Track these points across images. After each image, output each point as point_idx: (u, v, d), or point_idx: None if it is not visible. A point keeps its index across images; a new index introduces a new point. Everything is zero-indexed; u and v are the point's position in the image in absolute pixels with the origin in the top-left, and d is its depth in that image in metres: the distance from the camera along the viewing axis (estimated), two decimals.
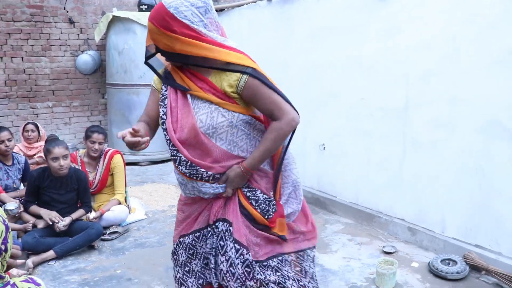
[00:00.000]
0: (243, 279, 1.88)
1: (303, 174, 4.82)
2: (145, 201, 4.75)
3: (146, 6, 6.49)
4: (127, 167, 4.39)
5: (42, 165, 4.22)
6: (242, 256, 1.88)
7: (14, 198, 3.90)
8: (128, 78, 6.46)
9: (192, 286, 2.06)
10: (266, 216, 1.93)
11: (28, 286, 1.56)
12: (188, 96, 1.88)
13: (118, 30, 6.43)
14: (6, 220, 1.50)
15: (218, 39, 1.85)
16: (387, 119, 3.81)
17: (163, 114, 1.92)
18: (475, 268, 3.11)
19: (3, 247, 1.46)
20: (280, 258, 1.97)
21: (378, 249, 3.58)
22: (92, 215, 3.83)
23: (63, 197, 3.67)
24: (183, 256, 2.09)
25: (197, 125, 1.83)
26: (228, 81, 1.83)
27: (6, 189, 4.02)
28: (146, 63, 2.00)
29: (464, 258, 3.17)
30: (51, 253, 3.40)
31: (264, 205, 1.94)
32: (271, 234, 1.95)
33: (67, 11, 7.00)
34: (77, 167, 3.95)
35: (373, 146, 3.97)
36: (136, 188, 5.18)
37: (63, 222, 3.52)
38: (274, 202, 1.97)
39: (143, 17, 6.25)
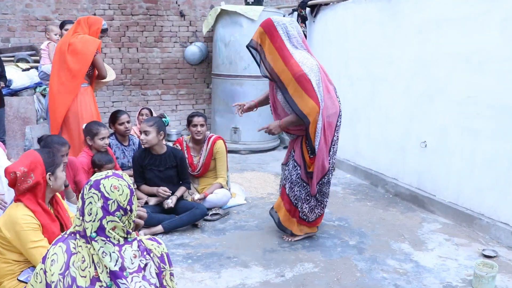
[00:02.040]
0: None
1: (403, 169, 4.82)
2: (245, 187, 5.04)
3: (253, 0, 6.80)
4: (228, 155, 4.71)
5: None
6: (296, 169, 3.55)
7: (129, 176, 4.38)
8: (233, 69, 6.82)
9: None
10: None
11: (151, 243, 1.87)
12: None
13: (225, 23, 6.80)
14: (132, 185, 1.81)
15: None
16: (497, 117, 3.71)
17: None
18: None
19: (128, 207, 1.77)
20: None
21: (477, 251, 3.52)
22: (196, 196, 4.18)
23: (163, 174, 4.05)
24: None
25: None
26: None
27: (122, 167, 4.53)
28: (247, 47, 3.42)
29: None
30: (159, 228, 3.80)
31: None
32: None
33: (179, 5, 7.55)
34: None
35: (480, 145, 3.88)
36: (237, 175, 5.50)
37: (170, 200, 3.92)
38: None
39: (250, 11, 6.56)
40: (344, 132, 5.97)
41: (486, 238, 3.76)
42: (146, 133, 3.94)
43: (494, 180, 3.77)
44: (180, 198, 4.08)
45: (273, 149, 7.19)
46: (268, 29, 3.26)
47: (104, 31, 4.68)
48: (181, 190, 4.11)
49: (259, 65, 3.47)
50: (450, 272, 3.21)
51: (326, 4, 6.20)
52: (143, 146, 4.05)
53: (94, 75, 4.62)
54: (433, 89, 4.34)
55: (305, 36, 6.52)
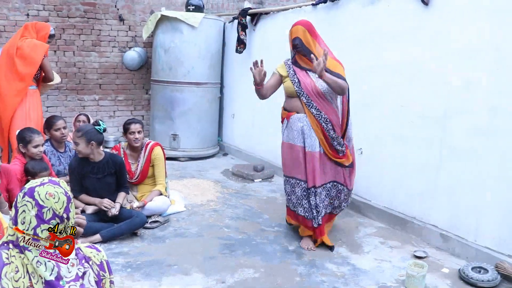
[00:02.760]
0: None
1: None
2: (185, 194, 5.00)
3: (193, 7, 6.80)
4: (167, 162, 4.67)
5: None
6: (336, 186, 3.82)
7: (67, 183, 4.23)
8: (173, 76, 6.77)
9: None
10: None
11: (90, 251, 1.83)
12: (309, 72, 3.63)
13: (165, 29, 6.75)
14: (69, 192, 1.76)
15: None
16: (426, 126, 3.93)
17: (296, 83, 3.65)
18: (507, 278, 3.20)
19: (65, 215, 1.72)
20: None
21: (409, 253, 3.71)
22: (135, 204, 4.11)
23: (102, 181, 3.92)
24: None
25: (318, 87, 3.58)
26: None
27: (58, 174, 4.36)
28: (295, 44, 3.66)
29: (496, 267, 3.26)
30: (97, 237, 3.69)
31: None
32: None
33: (118, 9, 7.41)
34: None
35: (411, 152, 4.10)
36: (176, 182, 5.45)
37: (114, 209, 3.82)
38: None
39: (191, 17, 6.56)
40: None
41: (417, 240, 3.96)
42: (75, 144, 3.82)
43: (424, 186, 3.99)
44: (122, 214, 3.92)
45: (212, 156, 7.19)
46: (310, 27, 3.65)
47: (51, 36, 4.99)
48: (121, 196, 4.01)
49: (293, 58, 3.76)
50: (385, 273, 3.35)
51: (266, 13, 6.32)
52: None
53: (41, 78, 4.83)
54: (369, 98, 4.53)
55: (245, 44, 6.60)
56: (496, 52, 3.36)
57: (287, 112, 3.79)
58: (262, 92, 3.68)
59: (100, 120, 3.95)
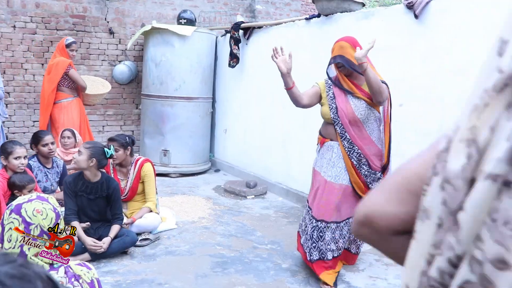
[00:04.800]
0: None
1: None
2: (176, 211, 5.04)
3: (185, 20, 6.90)
4: (157, 178, 4.70)
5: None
6: None
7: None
8: (164, 90, 6.85)
9: None
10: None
11: (80, 268, 1.86)
12: (349, 96, 3.35)
13: (156, 42, 6.84)
14: (58, 208, 1.79)
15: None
16: (421, 142, 4.01)
17: (333, 110, 3.37)
18: None
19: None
20: None
21: None
22: (124, 221, 4.15)
23: (93, 203, 3.91)
24: None
25: (357, 115, 3.30)
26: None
27: (44, 191, 4.39)
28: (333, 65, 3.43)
29: None
30: (86, 256, 3.70)
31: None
32: None
33: (108, 22, 7.50)
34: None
35: None
36: (167, 199, 5.49)
37: (102, 243, 3.75)
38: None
39: (183, 29, 6.65)
40: (276, 155, 6.16)
41: None
42: (79, 152, 3.85)
43: None
44: (114, 238, 3.89)
45: (204, 172, 7.24)
46: (354, 43, 3.29)
47: (68, 46, 5.82)
48: (114, 230, 3.91)
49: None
50: None
51: (259, 27, 6.43)
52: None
53: (79, 89, 5.96)
54: None
55: (238, 58, 6.70)
56: None
57: (321, 138, 3.57)
58: (295, 94, 3.32)
59: (111, 147, 3.99)
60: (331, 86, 3.45)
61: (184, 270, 3.64)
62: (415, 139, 4.07)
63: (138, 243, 4.07)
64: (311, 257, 3.43)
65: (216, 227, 4.66)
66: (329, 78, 3.49)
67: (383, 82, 3.25)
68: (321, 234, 3.38)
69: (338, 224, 3.42)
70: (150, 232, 4.27)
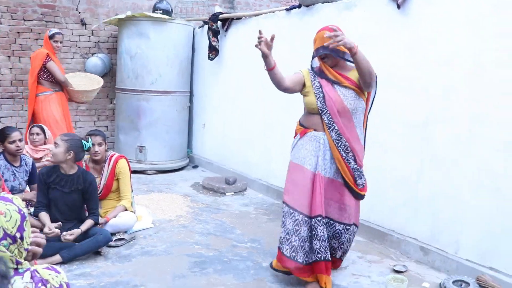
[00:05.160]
0: None
1: None
2: (152, 210, 4.93)
3: (161, 11, 6.77)
4: (133, 175, 4.59)
5: None
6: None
7: (23, 200, 4.10)
8: (139, 84, 6.70)
9: None
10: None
11: (48, 272, 1.75)
12: (336, 86, 3.18)
13: (130, 34, 6.68)
14: (23, 209, 1.69)
15: None
16: (406, 134, 3.98)
17: (320, 99, 3.18)
18: None
19: (18, 235, 1.65)
20: None
21: (388, 267, 3.72)
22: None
23: (67, 196, 3.79)
24: None
25: (346, 105, 3.13)
26: (356, 77, 3.15)
27: (12, 190, 4.22)
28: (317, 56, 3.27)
29: (477, 280, 3.30)
30: (57, 258, 3.56)
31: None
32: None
33: (79, 12, 7.30)
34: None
35: (390, 162, 4.14)
36: (143, 197, 5.37)
37: (70, 237, 3.62)
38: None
39: (160, 17, 6.51)
40: (257, 150, 6.09)
41: (396, 254, 3.99)
42: (55, 145, 3.74)
43: (403, 197, 4.03)
44: (85, 232, 3.76)
45: (181, 168, 7.13)
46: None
47: (51, 37, 5.79)
48: (87, 223, 3.79)
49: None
50: None
51: (238, 18, 6.33)
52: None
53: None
54: None
55: (217, 50, 6.59)
56: (474, 59, 3.44)
57: (302, 128, 3.32)
58: (277, 75, 3.14)
59: (88, 140, 3.91)
60: (316, 76, 3.27)
61: (161, 271, 3.54)
62: (402, 131, 4.02)
63: (112, 243, 3.95)
64: (308, 260, 3.17)
65: (194, 225, 4.57)
66: (313, 69, 3.34)
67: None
68: (314, 231, 3.13)
69: (333, 223, 3.29)
70: (125, 232, 4.16)
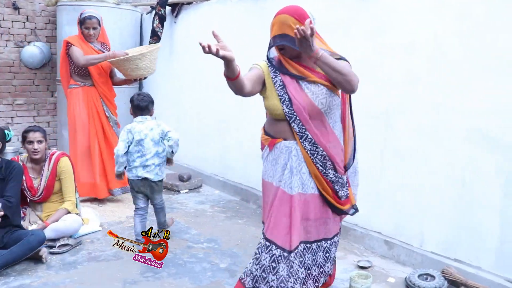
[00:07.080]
0: None
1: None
2: (100, 211, 4.85)
3: None
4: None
5: None
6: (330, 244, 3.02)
7: None
8: None
9: None
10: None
11: None
12: (302, 82, 2.72)
13: (71, 19, 6.49)
14: None
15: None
16: (368, 125, 4.04)
17: (286, 103, 2.70)
18: (453, 283, 3.35)
19: None
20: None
21: (353, 263, 3.79)
22: (32, 227, 3.96)
23: None
24: None
25: (317, 106, 2.69)
26: None
27: None
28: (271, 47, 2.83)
29: (442, 273, 3.41)
30: None
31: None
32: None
33: None
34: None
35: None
36: (89, 198, 5.27)
37: None
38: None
39: (101, 6, 6.37)
40: (212, 144, 6.07)
41: (361, 249, 4.07)
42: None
43: (365, 190, 4.09)
44: (16, 237, 3.64)
45: None
46: (301, 16, 2.66)
47: (82, 22, 5.11)
48: None
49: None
50: None
51: (189, 3, 6.27)
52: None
53: (92, 74, 5.11)
54: None
55: (159, 37, 6.50)
56: (436, 46, 3.53)
57: (269, 138, 2.88)
58: (240, 83, 2.61)
59: (10, 129, 3.81)
60: (277, 72, 2.78)
61: (111, 278, 3.49)
62: (364, 121, 4.08)
63: (56, 249, 3.86)
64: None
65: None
66: (270, 62, 2.85)
67: (342, 58, 2.74)
68: (283, 265, 2.70)
69: (310, 245, 2.86)
70: (70, 237, 4.08)
